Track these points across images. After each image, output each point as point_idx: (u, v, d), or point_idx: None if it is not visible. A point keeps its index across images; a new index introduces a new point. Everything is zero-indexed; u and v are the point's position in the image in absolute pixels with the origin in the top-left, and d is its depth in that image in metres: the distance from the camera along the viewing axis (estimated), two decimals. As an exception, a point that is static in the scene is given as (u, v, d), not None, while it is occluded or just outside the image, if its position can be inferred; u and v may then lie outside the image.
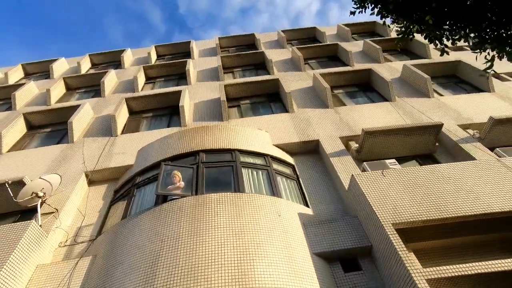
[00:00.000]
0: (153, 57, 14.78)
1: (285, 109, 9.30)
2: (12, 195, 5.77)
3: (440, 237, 4.85)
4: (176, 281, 3.99)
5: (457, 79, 10.66)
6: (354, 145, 7.51)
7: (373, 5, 4.40)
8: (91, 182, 7.18)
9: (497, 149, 7.01)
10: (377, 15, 4.53)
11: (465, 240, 4.80)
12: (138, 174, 6.65)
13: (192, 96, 10.28)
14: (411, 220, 4.65)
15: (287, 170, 6.91)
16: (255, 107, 9.79)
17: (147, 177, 6.45)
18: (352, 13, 4.79)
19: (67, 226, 6.05)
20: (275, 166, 6.74)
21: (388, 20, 4.69)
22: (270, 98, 10.12)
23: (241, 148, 6.73)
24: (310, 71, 11.67)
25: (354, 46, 13.75)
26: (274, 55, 13.41)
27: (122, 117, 9.24)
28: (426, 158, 7.36)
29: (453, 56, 11.55)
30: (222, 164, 6.29)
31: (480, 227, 4.77)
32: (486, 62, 3.89)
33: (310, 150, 7.66)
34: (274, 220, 5.05)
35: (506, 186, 5.06)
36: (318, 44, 13.71)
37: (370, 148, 7.10)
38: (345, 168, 6.50)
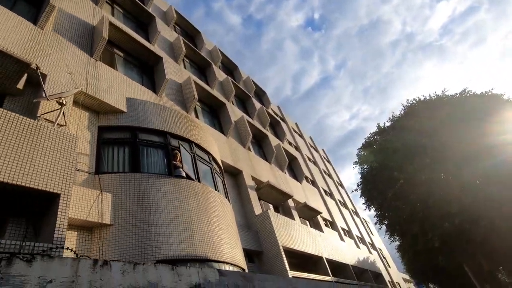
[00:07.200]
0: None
1: (153, 88, 9.39)
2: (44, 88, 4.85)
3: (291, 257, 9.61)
4: (203, 242, 6.00)
5: (290, 166, 17.59)
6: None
7: None
8: (73, 102, 6.46)
9: (301, 218, 13.46)
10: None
11: (301, 262, 9.84)
12: (139, 130, 7.07)
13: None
14: (287, 246, 9.10)
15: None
16: (127, 65, 9.19)
17: (151, 139, 7.11)
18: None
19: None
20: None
21: None
22: (143, 67, 9.79)
23: (213, 155, 8.89)
24: (183, 69, 12.36)
25: (218, 74, 15.62)
26: (159, 26, 12.23)
27: (98, 38, 8.19)
28: (276, 209, 12.51)
29: (293, 151, 18.88)
30: (205, 163, 8.23)
31: (310, 258, 10.03)
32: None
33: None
34: (232, 218, 7.86)
35: (314, 240, 10.75)
36: (199, 52, 14.80)
37: (263, 192, 11.33)
38: (254, 199, 10.25)
